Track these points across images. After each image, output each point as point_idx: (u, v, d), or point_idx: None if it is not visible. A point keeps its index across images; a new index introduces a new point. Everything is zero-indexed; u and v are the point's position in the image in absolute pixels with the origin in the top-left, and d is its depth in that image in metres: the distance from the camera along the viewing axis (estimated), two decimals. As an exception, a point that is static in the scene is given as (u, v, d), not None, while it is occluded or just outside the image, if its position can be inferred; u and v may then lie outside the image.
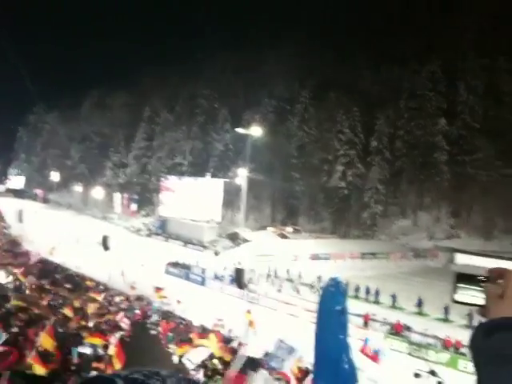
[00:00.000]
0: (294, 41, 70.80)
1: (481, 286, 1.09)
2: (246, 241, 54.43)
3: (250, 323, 23.29)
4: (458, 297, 1.16)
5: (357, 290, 36.52)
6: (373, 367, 18.71)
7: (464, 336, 27.19)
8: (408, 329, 27.67)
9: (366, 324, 29.18)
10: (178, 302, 28.95)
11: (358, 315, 29.41)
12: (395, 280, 41.89)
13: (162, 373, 0.87)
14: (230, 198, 63.49)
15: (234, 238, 55.98)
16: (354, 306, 32.48)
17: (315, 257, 49.75)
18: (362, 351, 18.57)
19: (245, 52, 74.19)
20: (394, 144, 65.20)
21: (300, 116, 69.97)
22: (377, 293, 35.86)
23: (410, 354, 25.72)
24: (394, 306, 34.18)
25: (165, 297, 29.16)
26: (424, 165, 62.14)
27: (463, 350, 24.27)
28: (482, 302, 1.07)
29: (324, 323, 2.10)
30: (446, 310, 30.41)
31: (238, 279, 37.44)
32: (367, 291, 36.23)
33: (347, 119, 65.80)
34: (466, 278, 1.15)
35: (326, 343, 2.08)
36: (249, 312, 24.92)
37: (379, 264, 49.93)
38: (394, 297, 34.68)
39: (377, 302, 35.10)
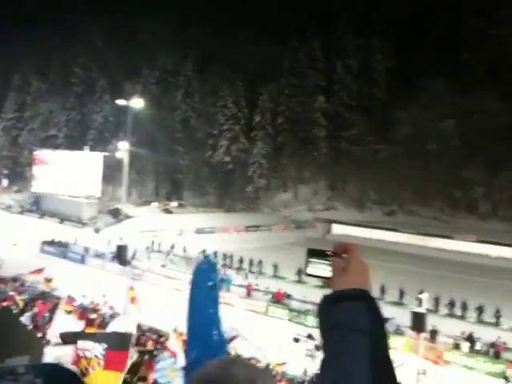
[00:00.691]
0: (176, 10, 68.97)
1: (329, 260, 1.20)
2: (128, 217, 52.97)
3: (133, 300, 22.74)
4: (310, 270, 1.25)
5: (241, 261, 37.48)
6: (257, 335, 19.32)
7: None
8: (289, 297, 28.90)
9: (249, 294, 30.01)
10: (55, 280, 27.50)
11: (242, 286, 30.14)
12: (278, 251, 43.43)
13: (19, 369, 0.83)
14: (111, 172, 61.17)
15: (116, 214, 54.21)
16: (238, 278, 33.31)
17: (200, 231, 49.92)
18: None
19: (122, 19, 70.67)
20: (276, 120, 66.80)
21: (184, 89, 68.81)
22: (260, 263, 36.93)
23: (290, 320, 26.92)
24: (276, 276, 35.45)
25: (49, 280, 27.57)
26: (304, 140, 64.56)
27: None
28: (329, 274, 1.19)
29: (196, 298, 2.22)
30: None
31: (120, 256, 36.41)
32: (251, 263, 37.19)
33: (231, 94, 66.02)
34: (317, 252, 1.24)
35: (198, 317, 2.16)
36: (131, 288, 24.31)
37: (263, 236, 51.42)
38: (275, 267, 35.97)
39: (260, 273, 36.17)
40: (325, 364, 1.04)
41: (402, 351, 22.50)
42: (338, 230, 55.33)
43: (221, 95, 66.31)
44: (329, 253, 1.22)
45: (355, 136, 62.96)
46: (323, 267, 1.22)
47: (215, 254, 38.65)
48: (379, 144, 61.61)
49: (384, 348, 1.03)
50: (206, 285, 2.11)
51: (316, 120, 64.56)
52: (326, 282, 1.20)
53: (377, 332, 1.03)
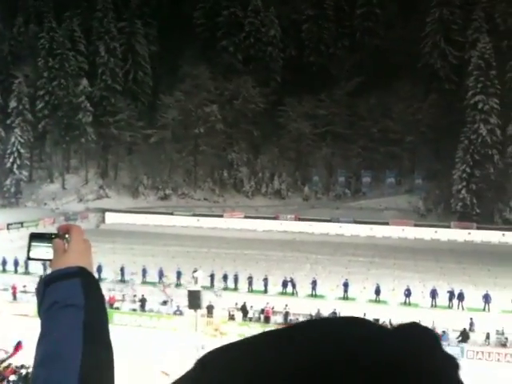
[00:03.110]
0: None
1: (51, 243, 1.21)
2: None
3: None
4: (32, 254, 1.25)
5: (4, 263, 33.97)
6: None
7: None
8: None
9: (15, 297, 27.67)
10: None
11: (6, 290, 27.53)
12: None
13: None
14: None
15: None
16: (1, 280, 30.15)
17: None
18: None
19: None
20: (35, 105, 61.35)
21: None
22: (27, 265, 33.78)
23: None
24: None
25: None
26: (69, 126, 60.74)
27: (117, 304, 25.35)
28: (52, 256, 1.19)
29: None
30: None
31: None
32: (16, 263, 33.79)
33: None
34: (40, 236, 1.25)
35: None
36: None
37: (28, 233, 46.93)
38: (44, 264, 33.30)
39: (28, 273, 33.16)
40: (38, 343, 1.03)
41: (183, 330, 23.03)
42: (112, 218, 53.84)
43: (-35, 78, 58.16)
44: (52, 235, 1.21)
45: (124, 121, 61.64)
46: (46, 250, 1.20)
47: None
48: (149, 129, 61.59)
49: (100, 321, 1.05)
50: None
51: (80, 105, 61.04)
52: (51, 263, 1.18)
53: (92, 306, 1.05)
